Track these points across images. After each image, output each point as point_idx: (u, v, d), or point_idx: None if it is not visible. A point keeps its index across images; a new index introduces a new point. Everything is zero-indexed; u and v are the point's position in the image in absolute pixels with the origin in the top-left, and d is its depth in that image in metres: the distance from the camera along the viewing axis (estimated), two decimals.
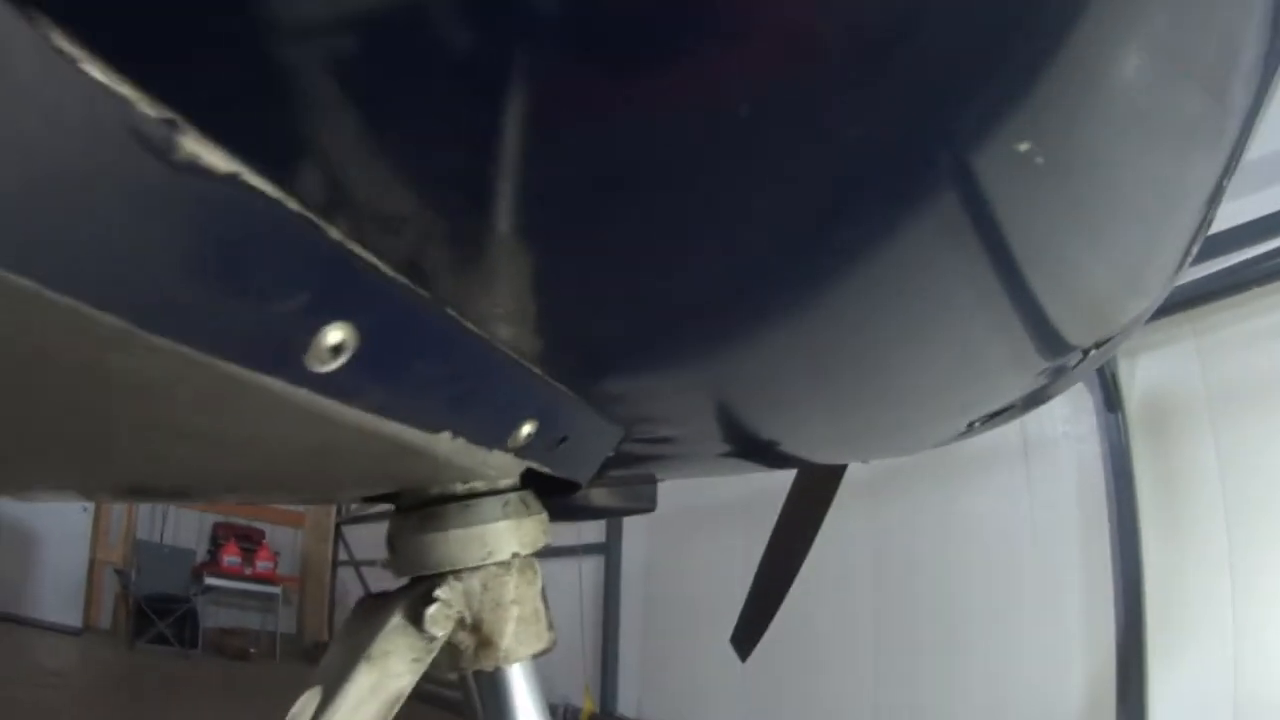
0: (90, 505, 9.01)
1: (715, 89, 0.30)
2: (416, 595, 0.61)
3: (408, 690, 0.60)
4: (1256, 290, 3.17)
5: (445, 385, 0.43)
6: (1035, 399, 0.97)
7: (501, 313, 0.42)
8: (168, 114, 0.25)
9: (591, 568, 5.86)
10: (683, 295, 0.46)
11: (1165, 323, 3.39)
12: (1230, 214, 3.21)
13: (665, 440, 0.79)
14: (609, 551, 5.84)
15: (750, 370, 0.62)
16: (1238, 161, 0.66)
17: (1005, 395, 0.92)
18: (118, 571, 9.02)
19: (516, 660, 0.64)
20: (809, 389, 0.72)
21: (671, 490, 5.28)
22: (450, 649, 0.64)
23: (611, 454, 0.73)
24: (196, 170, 0.26)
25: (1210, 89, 0.49)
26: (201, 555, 9.48)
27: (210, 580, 8.93)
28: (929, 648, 3.87)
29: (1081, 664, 3.50)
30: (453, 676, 0.67)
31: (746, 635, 1.96)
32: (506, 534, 0.63)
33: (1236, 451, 3.21)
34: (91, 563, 9.05)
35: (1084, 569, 3.56)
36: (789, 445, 0.91)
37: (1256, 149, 0.66)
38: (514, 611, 0.63)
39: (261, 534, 9.67)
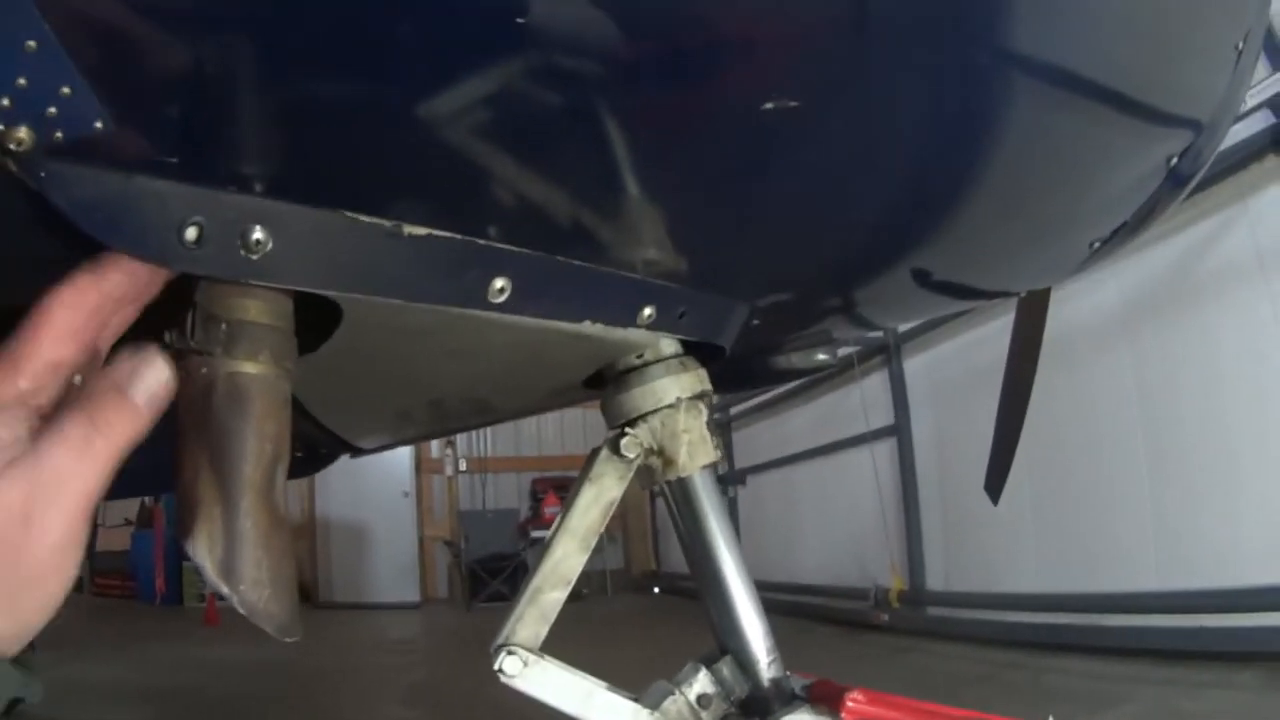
0: (410, 490, 10.30)
1: None
2: (616, 435, 0.98)
3: (617, 499, 0.97)
4: None
5: (576, 295, 0.78)
6: (1142, 216, 1.18)
7: (611, 254, 0.78)
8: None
9: (884, 451, 6.02)
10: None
11: None
12: None
13: (792, 307, 1.09)
14: (899, 431, 6.01)
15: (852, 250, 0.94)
16: None
17: (1116, 215, 1.15)
18: (447, 543, 10.25)
19: (693, 471, 0.99)
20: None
21: (950, 357, 5.37)
22: (647, 470, 1.00)
23: (755, 323, 1.04)
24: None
25: None
26: (524, 512, 10.58)
27: (535, 533, 9.74)
28: (1202, 470, 3.78)
29: None
30: (655, 489, 1.03)
31: (995, 477, 2.18)
32: (670, 386, 0.97)
33: None
34: (420, 540, 10.36)
35: None
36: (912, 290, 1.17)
37: None
38: (685, 438, 0.98)
39: None
